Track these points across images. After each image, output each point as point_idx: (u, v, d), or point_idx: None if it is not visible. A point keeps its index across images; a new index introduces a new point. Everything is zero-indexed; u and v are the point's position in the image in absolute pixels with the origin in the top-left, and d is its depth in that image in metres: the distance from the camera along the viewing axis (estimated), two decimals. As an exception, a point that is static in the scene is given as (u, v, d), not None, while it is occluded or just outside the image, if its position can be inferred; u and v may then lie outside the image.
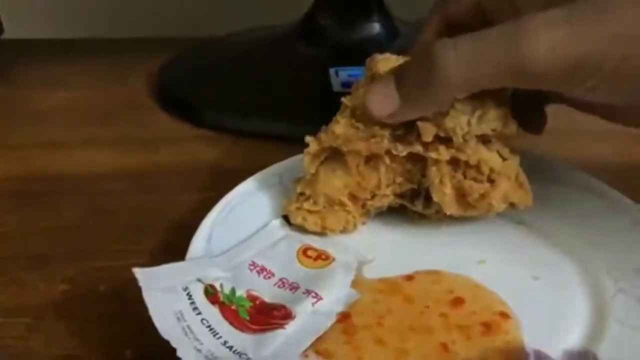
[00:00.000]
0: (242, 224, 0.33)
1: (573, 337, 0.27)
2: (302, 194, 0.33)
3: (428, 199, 0.33)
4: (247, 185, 0.35)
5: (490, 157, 0.30)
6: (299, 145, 0.37)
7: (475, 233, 0.32)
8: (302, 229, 0.33)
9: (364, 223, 0.34)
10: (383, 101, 0.29)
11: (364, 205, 0.33)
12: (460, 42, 0.26)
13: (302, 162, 0.32)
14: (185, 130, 0.46)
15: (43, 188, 0.39)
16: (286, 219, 0.33)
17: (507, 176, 0.30)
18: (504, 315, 0.28)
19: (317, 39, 0.50)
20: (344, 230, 0.33)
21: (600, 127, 0.32)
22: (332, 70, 0.48)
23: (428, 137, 0.30)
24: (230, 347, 0.25)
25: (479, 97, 0.29)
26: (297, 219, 0.33)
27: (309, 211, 0.32)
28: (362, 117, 0.31)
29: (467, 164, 0.30)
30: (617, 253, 0.31)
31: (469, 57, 0.26)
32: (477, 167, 0.30)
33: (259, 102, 0.47)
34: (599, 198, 0.33)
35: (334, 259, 0.31)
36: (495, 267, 0.31)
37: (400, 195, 0.33)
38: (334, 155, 0.32)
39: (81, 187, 0.39)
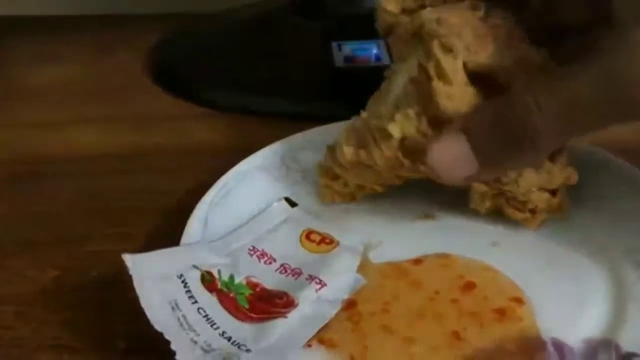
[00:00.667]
0: (241, 207, 0.31)
1: (591, 325, 0.26)
2: (332, 171, 0.31)
3: None
4: (246, 165, 0.33)
5: (538, 199, 0.29)
6: (301, 123, 0.35)
7: (489, 215, 0.31)
8: (307, 211, 0.31)
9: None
10: (456, 165, 0.25)
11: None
12: (542, 98, 0.23)
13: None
14: (180, 108, 0.44)
15: (31, 170, 0.38)
16: (288, 200, 0.32)
17: (549, 208, 0.29)
18: (519, 301, 0.27)
19: (319, 11, 0.48)
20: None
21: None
22: (334, 45, 0.46)
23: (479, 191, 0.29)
24: (229, 338, 0.23)
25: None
26: (326, 199, 0.32)
27: (339, 193, 0.32)
28: (410, 150, 0.27)
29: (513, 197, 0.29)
30: (637, 236, 0.29)
31: (560, 113, 0.23)
32: (523, 203, 0.29)
33: (258, 78, 0.45)
34: (618, 179, 0.31)
35: (338, 243, 0.29)
36: (509, 251, 0.29)
37: None
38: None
39: (72, 168, 0.38)
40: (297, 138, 0.35)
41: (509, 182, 0.28)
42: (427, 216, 0.32)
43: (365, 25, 0.47)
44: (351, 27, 0.47)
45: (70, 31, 0.54)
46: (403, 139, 0.27)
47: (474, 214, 0.31)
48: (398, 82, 0.28)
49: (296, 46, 0.47)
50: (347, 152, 0.28)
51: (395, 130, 0.26)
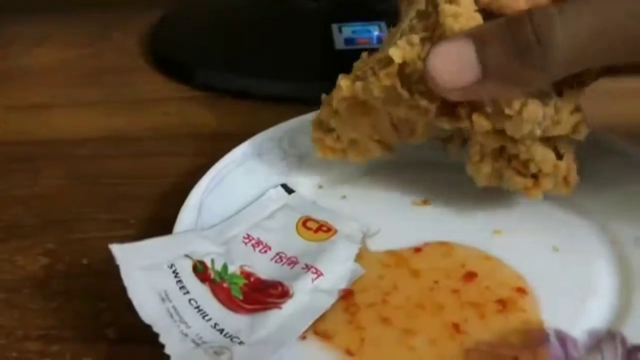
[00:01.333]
0: (236, 193, 0.30)
1: (597, 316, 0.25)
2: (323, 122, 0.29)
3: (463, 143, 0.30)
4: (242, 151, 0.32)
5: (543, 159, 0.26)
6: (299, 107, 0.34)
7: (490, 201, 0.30)
8: (304, 198, 0.30)
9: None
10: (457, 70, 0.23)
11: (391, 148, 0.30)
12: (570, 14, 0.22)
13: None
14: (177, 91, 0.43)
15: (22, 153, 0.37)
16: (285, 187, 0.31)
17: (554, 176, 0.27)
18: (521, 291, 0.26)
19: (318, -7, 0.47)
20: (365, 159, 0.30)
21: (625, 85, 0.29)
22: (334, 26, 0.45)
23: (481, 130, 0.26)
24: (221, 330, 0.22)
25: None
26: (318, 153, 0.30)
27: (332, 148, 0.30)
28: (408, 79, 0.26)
29: (515, 155, 0.27)
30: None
31: (586, 35, 0.21)
32: (525, 164, 0.27)
33: (256, 61, 0.44)
34: (625, 163, 0.30)
35: (336, 231, 0.28)
36: (511, 238, 0.28)
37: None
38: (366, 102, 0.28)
39: (64, 151, 0.37)
40: (295, 122, 0.34)
41: (512, 113, 0.24)
42: (426, 202, 0.31)
43: (366, 7, 0.46)
44: (352, 8, 0.46)
45: (65, 12, 0.53)
46: (403, 66, 0.25)
47: (475, 200, 0.30)
48: (401, 28, 0.27)
49: (296, 28, 0.46)
50: (344, 85, 0.27)
51: (396, 53, 0.25)
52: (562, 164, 0.27)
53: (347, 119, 0.29)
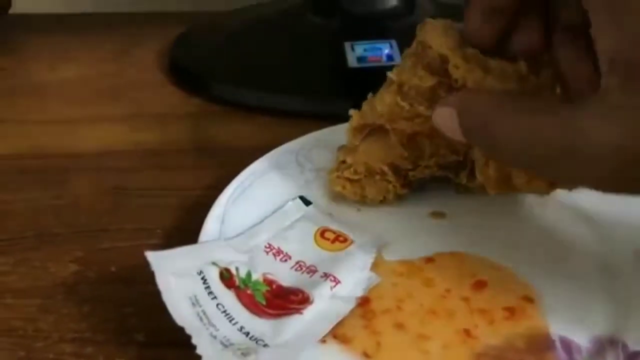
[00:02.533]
0: (257, 204, 0.32)
1: (600, 323, 0.26)
2: (343, 162, 0.32)
3: (473, 172, 0.31)
4: (262, 164, 0.34)
5: None
6: (314, 121, 0.36)
7: (499, 214, 0.31)
8: (321, 209, 0.32)
9: (404, 194, 0.32)
10: (451, 129, 0.27)
11: (405, 176, 0.32)
12: (518, 116, 0.25)
13: (345, 132, 0.32)
14: (197, 106, 0.45)
15: (52, 165, 0.38)
16: (303, 199, 0.32)
17: None
18: (528, 300, 0.27)
19: (332, 11, 0.49)
20: (384, 201, 0.32)
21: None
22: (347, 45, 0.47)
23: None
24: (247, 333, 0.24)
25: None
26: (336, 187, 0.32)
27: (349, 180, 0.32)
28: (409, 94, 0.29)
29: None
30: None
31: (524, 137, 0.24)
32: None
33: (273, 77, 0.46)
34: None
35: (352, 242, 0.30)
36: (519, 249, 0.30)
37: (443, 167, 0.32)
38: (377, 128, 0.31)
39: (91, 164, 0.39)
40: (311, 137, 0.36)
41: None
42: (439, 215, 0.32)
43: (377, 26, 0.48)
44: (364, 27, 0.47)
45: (87, 29, 0.55)
46: (401, 86, 0.29)
47: (485, 212, 0.32)
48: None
49: (310, 46, 0.48)
50: (354, 114, 0.31)
51: (393, 74, 0.30)
52: None
53: (362, 147, 0.31)
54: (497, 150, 0.26)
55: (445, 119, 0.27)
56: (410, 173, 0.32)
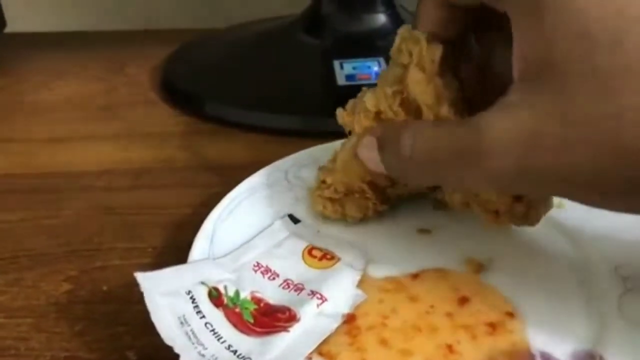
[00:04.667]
0: (246, 223, 0.32)
1: (580, 338, 0.27)
2: (324, 181, 0.33)
3: None
4: (251, 183, 0.35)
5: (498, 200, 0.29)
6: (305, 139, 0.36)
7: (482, 231, 0.32)
8: (309, 227, 0.33)
9: (383, 210, 0.33)
10: (373, 163, 0.29)
11: (384, 192, 0.33)
12: (422, 131, 0.26)
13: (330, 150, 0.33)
14: (189, 124, 0.46)
15: (44, 184, 0.39)
16: (291, 217, 0.33)
17: (511, 215, 0.30)
18: (510, 315, 0.28)
19: (321, 30, 0.50)
20: (364, 218, 0.33)
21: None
22: (336, 63, 0.48)
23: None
24: (235, 351, 0.25)
25: None
26: (317, 207, 0.33)
27: (330, 199, 0.32)
28: (383, 122, 0.30)
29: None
30: (625, 251, 0.30)
31: (427, 148, 0.26)
32: (486, 202, 0.30)
33: (263, 95, 0.47)
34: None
35: (339, 259, 0.30)
36: (501, 266, 0.31)
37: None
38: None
39: (83, 183, 0.39)
40: (300, 155, 0.37)
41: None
42: (424, 231, 0.33)
43: (366, 44, 0.49)
44: (353, 45, 0.48)
45: (80, 48, 0.56)
46: (379, 113, 0.29)
47: (468, 229, 0.32)
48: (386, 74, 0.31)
49: (300, 64, 0.48)
50: (339, 114, 0.32)
51: (370, 102, 0.29)
52: (519, 206, 0.29)
53: (340, 165, 0.32)
54: (411, 173, 0.27)
55: (367, 148, 0.29)
56: (389, 190, 0.33)
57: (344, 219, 0.33)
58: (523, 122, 0.23)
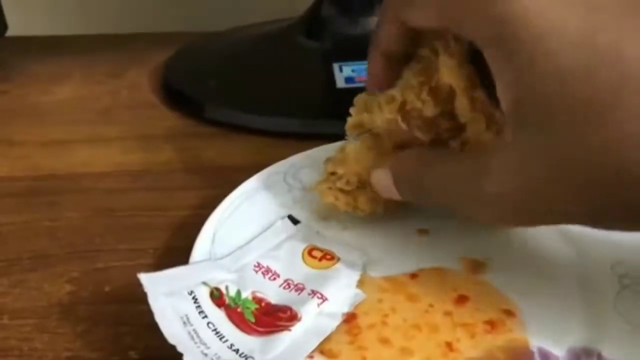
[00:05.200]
0: (246, 224, 0.33)
1: (577, 335, 0.27)
2: (333, 173, 0.32)
3: None
4: (251, 185, 0.35)
5: None
6: (304, 141, 0.37)
7: (480, 230, 0.32)
8: (309, 228, 0.33)
9: (396, 208, 0.33)
10: (387, 192, 0.30)
11: None
12: (435, 168, 0.28)
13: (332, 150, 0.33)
14: (189, 127, 0.46)
15: (46, 187, 0.39)
16: (291, 218, 0.33)
17: None
18: (508, 313, 0.28)
19: (320, 33, 0.50)
20: (371, 213, 0.33)
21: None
22: (335, 66, 0.48)
23: None
24: (237, 351, 0.25)
25: None
26: (329, 199, 0.32)
27: (341, 190, 0.32)
28: (411, 114, 0.29)
29: None
30: (621, 249, 0.31)
31: (440, 184, 0.27)
32: None
33: (262, 98, 0.47)
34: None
35: (339, 259, 0.31)
36: (499, 265, 0.31)
37: None
38: (371, 134, 0.32)
39: (84, 186, 0.39)
40: (299, 157, 0.37)
41: None
42: (423, 231, 0.33)
43: (365, 47, 0.49)
44: (351, 48, 0.48)
45: (81, 51, 0.56)
46: (403, 104, 0.29)
47: (467, 229, 0.33)
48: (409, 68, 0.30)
49: (299, 67, 0.49)
50: (352, 112, 0.31)
51: (397, 93, 0.29)
52: None
53: (353, 157, 0.32)
54: (424, 200, 0.29)
55: (381, 180, 0.30)
56: None
57: (354, 211, 0.32)
58: (513, 163, 0.24)
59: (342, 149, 0.32)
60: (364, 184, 0.32)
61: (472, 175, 0.25)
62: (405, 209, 0.34)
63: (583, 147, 0.22)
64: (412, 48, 0.30)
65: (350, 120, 0.32)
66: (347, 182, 0.32)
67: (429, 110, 0.29)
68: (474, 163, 0.26)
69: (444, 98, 0.29)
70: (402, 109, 0.29)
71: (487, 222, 0.30)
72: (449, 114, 0.29)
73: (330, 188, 0.32)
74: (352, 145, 0.32)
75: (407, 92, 0.29)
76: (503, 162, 0.24)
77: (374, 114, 0.30)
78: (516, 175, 0.24)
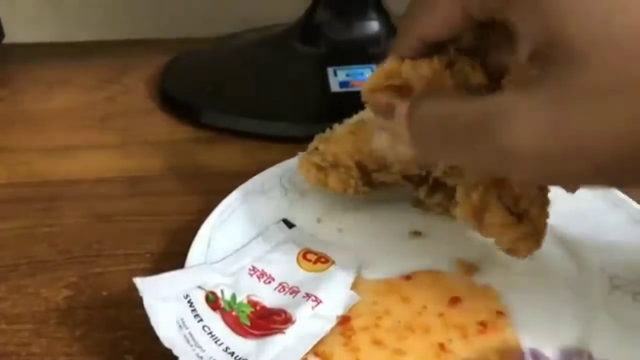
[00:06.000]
0: (242, 228, 0.33)
1: (569, 335, 0.27)
2: (316, 148, 0.33)
3: (433, 189, 0.33)
4: (246, 188, 0.35)
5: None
6: (299, 145, 0.37)
7: (472, 232, 0.33)
8: (304, 231, 0.33)
9: (364, 192, 0.33)
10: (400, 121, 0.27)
11: (369, 175, 0.33)
12: (428, 107, 0.25)
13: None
14: (186, 132, 0.46)
15: (43, 193, 0.40)
16: (286, 222, 0.34)
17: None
18: (500, 314, 0.29)
19: (315, 38, 0.50)
20: (344, 192, 0.33)
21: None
22: (330, 70, 0.48)
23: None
24: (232, 354, 0.25)
25: None
26: (302, 170, 0.33)
27: (316, 165, 0.33)
28: (457, 75, 0.28)
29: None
30: (612, 250, 0.31)
31: (447, 112, 0.25)
32: (516, 201, 0.29)
33: (258, 102, 0.47)
34: (593, 195, 0.33)
35: (333, 262, 0.31)
36: (491, 267, 0.31)
37: (407, 178, 0.33)
38: (357, 123, 0.33)
39: (81, 191, 0.40)
40: (293, 161, 0.37)
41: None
42: (416, 234, 0.34)
43: (359, 51, 0.50)
44: (346, 52, 0.49)
45: (79, 58, 0.56)
46: (452, 63, 0.28)
47: (460, 231, 0.33)
48: None
49: (294, 71, 0.49)
50: (390, 61, 0.29)
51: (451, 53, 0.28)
52: (518, 229, 0.29)
53: (336, 136, 0.33)
54: (436, 145, 0.25)
55: (401, 109, 0.27)
56: (374, 174, 0.33)
57: (324, 188, 0.33)
58: (540, 100, 0.21)
59: (333, 128, 0.34)
60: (337, 164, 0.33)
61: (485, 113, 0.23)
62: (395, 210, 0.34)
63: (631, 77, 0.20)
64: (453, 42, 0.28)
65: (385, 69, 0.29)
66: (323, 159, 0.33)
67: (477, 78, 0.28)
68: (488, 101, 0.23)
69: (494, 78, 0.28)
70: (451, 66, 0.28)
71: (495, 170, 0.26)
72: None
73: (307, 160, 0.33)
74: (340, 127, 0.33)
75: (460, 57, 0.28)
76: (526, 100, 0.22)
77: (418, 62, 0.28)
78: (548, 112, 0.21)
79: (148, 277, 0.27)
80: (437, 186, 0.33)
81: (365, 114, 0.33)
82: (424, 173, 0.33)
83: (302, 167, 0.33)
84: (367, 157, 0.33)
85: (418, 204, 0.34)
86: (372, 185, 0.34)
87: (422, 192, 0.33)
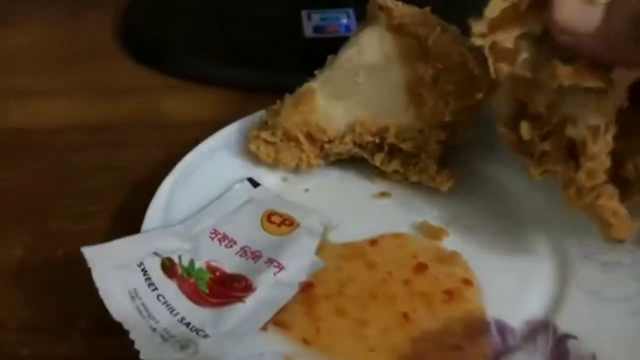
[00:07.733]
0: (204, 187, 0.32)
1: (536, 306, 0.27)
2: (266, 122, 0.32)
3: (390, 155, 0.32)
4: (210, 144, 0.34)
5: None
6: (269, 95, 0.35)
7: (443, 197, 0.32)
8: (270, 190, 0.32)
9: (318, 164, 0.33)
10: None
11: (322, 148, 0.32)
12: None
13: None
14: (150, 78, 0.44)
15: (-1, 143, 0.38)
16: (251, 181, 0.32)
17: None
18: (467, 283, 0.28)
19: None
20: (297, 168, 0.33)
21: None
22: (304, 13, 0.46)
23: None
24: (188, 324, 0.24)
25: None
26: (252, 147, 0.32)
27: (265, 141, 0.32)
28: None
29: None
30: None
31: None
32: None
33: (228, 49, 0.45)
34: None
35: (298, 225, 0.30)
36: (461, 233, 0.30)
37: (360, 146, 0.32)
38: (306, 93, 0.32)
39: (36, 141, 0.38)
40: (261, 115, 0.36)
41: None
42: (384, 194, 0.33)
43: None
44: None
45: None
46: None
47: (431, 194, 0.32)
48: None
49: (265, 14, 0.47)
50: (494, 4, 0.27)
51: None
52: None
53: (284, 110, 0.31)
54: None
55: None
56: (327, 146, 0.32)
57: (276, 164, 0.32)
58: None
59: (283, 101, 0.32)
60: (289, 139, 0.32)
61: None
62: (364, 172, 0.33)
63: None
64: None
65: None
66: (272, 134, 0.32)
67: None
68: None
69: None
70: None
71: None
72: None
73: (256, 136, 0.32)
74: (289, 99, 0.32)
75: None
76: None
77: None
78: None
79: (97, 245, 0.26)
80: (393, 153, 0.32)
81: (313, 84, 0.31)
82: (377, 140, 0.31)
83: (252, 144, 0.32)
84: (315, 128, 0.31)
85: (378, 173, 0.33)
86: (326, 157, 0.33)
87: (377, 160, 0.32)
